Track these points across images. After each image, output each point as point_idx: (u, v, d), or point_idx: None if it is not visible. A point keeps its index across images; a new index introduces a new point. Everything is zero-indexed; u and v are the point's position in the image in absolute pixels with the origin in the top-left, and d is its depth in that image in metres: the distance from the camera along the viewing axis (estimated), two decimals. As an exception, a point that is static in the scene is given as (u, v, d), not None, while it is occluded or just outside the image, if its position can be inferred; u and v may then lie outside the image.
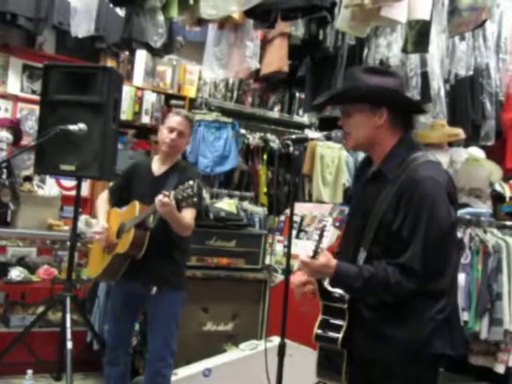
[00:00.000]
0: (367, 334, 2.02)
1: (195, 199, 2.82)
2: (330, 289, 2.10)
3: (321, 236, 1.98)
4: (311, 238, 4.42)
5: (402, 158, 2.05)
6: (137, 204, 3.14)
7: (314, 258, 1.96)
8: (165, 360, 3.18)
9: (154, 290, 3.12)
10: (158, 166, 3.27)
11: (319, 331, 2.10)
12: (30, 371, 3.45)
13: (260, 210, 5.78)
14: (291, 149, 6.14)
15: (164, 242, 3.10)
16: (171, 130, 3.18)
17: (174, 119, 3.20)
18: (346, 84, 2.19)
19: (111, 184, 3.55)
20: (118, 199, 3.37)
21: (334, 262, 1.98)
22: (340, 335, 2.02)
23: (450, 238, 1.99)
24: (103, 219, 3.29)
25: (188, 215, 3.04)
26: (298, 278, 2.23)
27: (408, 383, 2.01)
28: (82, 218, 4.39)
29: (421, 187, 1.94)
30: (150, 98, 6.06)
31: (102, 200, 3.41)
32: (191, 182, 2.78)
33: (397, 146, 2.08)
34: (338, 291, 2.08)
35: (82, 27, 4.47)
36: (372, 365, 2.04)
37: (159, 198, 2.85)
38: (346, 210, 3.90)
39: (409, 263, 1.91)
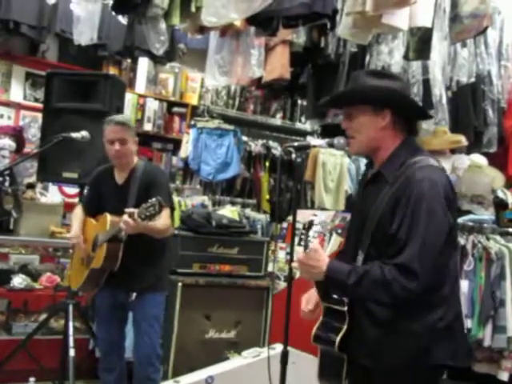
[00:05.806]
0: (365, 341, 1.99)
1: (158, 213, 2.77)
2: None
3: (308, 230, 1.96)
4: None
5: (402, 160, 2.03)
6: (108, 217, 3.13)
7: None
8: (152, 364, 3.18)
9: (134, 296, 3.14)
10: (118, 174, 3.26)
11: (318, 332, 2.08)
12: (32, 379, 3.46)
13: (262, 217, 5.77)
14: (293, 156, 6.13)
15: (142, 248, 3.11)
16: (112, 142, 3.13)
17: (110, 129, 3.14)
18: (349, 86, 2.19)
19: (83, 198, 3.52)
20: (93, 211, 3.32)
21: (325, 256, 1.95)
22: (338, 338, 1.99)
23: (447, 239, 1.94)
24: (77, 227, 3.27)
25: (161, 217, 2.95)
26: (305, 305, 2.22)
27: None
28: (85, 225, 4.39)
29: (418, 189, 1.92)
30: (152, 106, 6.07)
31: (76, 213, 3.39)
32: (153, 200, 2.74)
33: (398, 148, 2.07)
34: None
35: (84, 35, 4.48)
36: (371, 372, 2.01)
37: (124, 218, 2.83)
38: (348, 216, 3.90)
39: (407, 262, 1.86)
